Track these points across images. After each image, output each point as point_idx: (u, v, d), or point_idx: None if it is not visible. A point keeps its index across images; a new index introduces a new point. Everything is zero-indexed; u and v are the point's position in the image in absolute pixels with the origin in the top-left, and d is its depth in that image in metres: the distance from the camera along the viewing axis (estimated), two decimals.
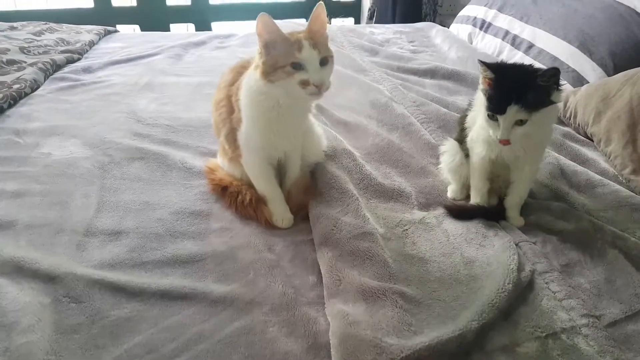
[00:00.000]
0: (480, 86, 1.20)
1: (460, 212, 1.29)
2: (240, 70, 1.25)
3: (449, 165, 1.39)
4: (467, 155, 1.34)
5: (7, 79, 1.98)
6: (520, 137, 1.15)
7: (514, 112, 1.12)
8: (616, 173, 1.47)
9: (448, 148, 1.42)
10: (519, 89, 1.11)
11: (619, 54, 1.88)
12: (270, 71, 1.13)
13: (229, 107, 1.28)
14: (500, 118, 1.13)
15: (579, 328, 0.97)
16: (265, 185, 1.29)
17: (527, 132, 1.15)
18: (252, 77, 1.18)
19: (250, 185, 1.30)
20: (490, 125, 1.18)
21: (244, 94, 1.21)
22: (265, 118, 1.20)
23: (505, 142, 1.15)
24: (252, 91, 1.19)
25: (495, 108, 1.14)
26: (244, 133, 1.25)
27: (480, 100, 1.24)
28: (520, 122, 1.13)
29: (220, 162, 1.40)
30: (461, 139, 1.37)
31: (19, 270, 1.06)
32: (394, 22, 3.59)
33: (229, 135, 1.30)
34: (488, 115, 1.16)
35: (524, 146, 1.21)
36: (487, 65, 1.16)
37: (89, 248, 1.15)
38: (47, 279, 1.04)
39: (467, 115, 1.34)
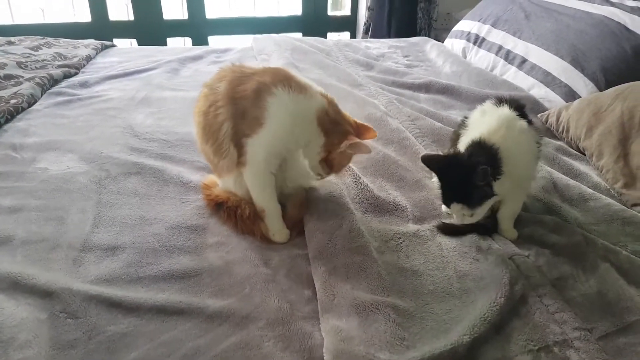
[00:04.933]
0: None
1: (451, 230, 1.29)
2: (236, 79, 1.25)
3: None
4: None
5: (5, 93, 1.99)
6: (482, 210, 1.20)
7: (458, 208, 1.19)
8: (608, 187, 1.49)
9: None
10: (458, 191, 1.18)
11: (610, 69, 1.91)
12: None
13: (233, 110, 1.24)
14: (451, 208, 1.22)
15: (571, 341, 0.98)
16: (266, 197, 1.27)
17: (481, 213, 1.20)
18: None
19: (248, 201, 1.30)
20: (447, 209, 1.26)
21: (280, 105, 1.20)
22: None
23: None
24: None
25: (444, 201, 1.23)
26: (261, 140, 1.21)
27: (475, 122, 1.28)
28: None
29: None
30: None
31: (16, 286, 1.06)
32: (389, 36, 3.62)
33: (224, 141, 1.25)
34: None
35: (501, 193, 1.21)
36: (428, 165, 1.23)
37: (85, 263, 1.16)
38: (44, 294, 1.04)
39: (459, 135, 1.32)
